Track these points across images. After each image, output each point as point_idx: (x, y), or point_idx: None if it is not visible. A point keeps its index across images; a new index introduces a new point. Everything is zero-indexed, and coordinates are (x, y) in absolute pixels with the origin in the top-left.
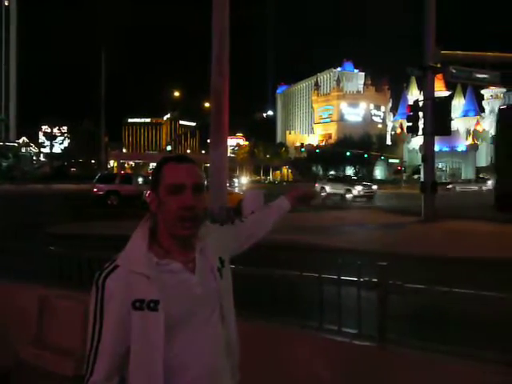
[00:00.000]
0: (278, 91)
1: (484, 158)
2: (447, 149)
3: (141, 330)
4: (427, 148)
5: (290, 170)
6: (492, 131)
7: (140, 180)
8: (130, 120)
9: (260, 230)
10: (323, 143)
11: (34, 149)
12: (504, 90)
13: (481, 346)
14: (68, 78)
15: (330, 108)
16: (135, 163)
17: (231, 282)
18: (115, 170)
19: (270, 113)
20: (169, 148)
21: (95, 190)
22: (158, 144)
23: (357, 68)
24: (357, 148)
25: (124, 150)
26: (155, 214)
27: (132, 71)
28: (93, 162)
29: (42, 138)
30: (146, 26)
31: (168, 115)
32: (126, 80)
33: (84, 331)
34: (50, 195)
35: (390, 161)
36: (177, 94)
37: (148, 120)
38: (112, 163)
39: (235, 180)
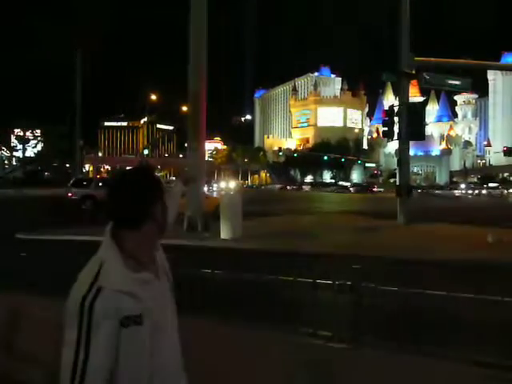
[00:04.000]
0: (256, 95)
1: (457, 162)
2: (422, 153)
3: (129, 344)
4: (402, 152)
5: (268, 174)
6: (465, 136)
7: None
8: (106, 123)
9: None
10: (301, 147)
11: (5, 153)
12: (476, 96)
13: (455, 346)
14: (42, 80)
15: (307, 112)
16: (111, 167)
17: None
18: (91, 175)
19: (248, 117)
20: (146, 152)
21: (70, 194)
22: (134, 148)
23: (333, 73)
24: (334, 152)
25: (100, 154)
26: (156, 223)
27: (108, 74)
28: (67, 166)
29: (14, 142)
30: (123, 28)
31: (145, 119)
32: (103, 83)
33: (54, 339)
34: (22, 200)
35: (367, 165)
36: (154, 97)
37: (125, 123)
38: (87, 167)
39: (213, 184)
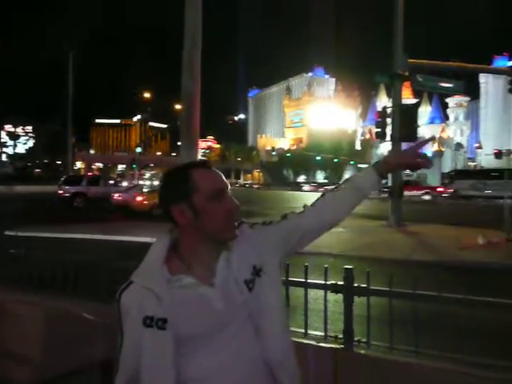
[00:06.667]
0: (249, 95)
1: (449, 163)
2: None
3: (150, 348)
4: None
5: (261, 174)
6: (456, 138)
7: (108, 182)
8: (98, 120)
9: (324, 223)
10: (294, 147)
11: None
12: (468, 98)
13: (447, 347)
14: (34, 77)
15: (301, 112)
16: (103, 165)
17: (276, 289)
18: (82, 172)
19: (242, 116)
20: (139, 150)
21: (61, 192)
22: (127, 146)
23: (327, 74)
24: (327, 153)
25: (92, 152)
26: (185, 227)
27: (102, 71)
28: (58, 163)
29: (4, 138)
30: (117, 25)
31: (138, 116)
32: (96, 80)
33: (43, 338)
34: (13, 197)
35: (360, 165)
36: (147, 95)
37: (117, 121)
38: (79, 164)
39: None
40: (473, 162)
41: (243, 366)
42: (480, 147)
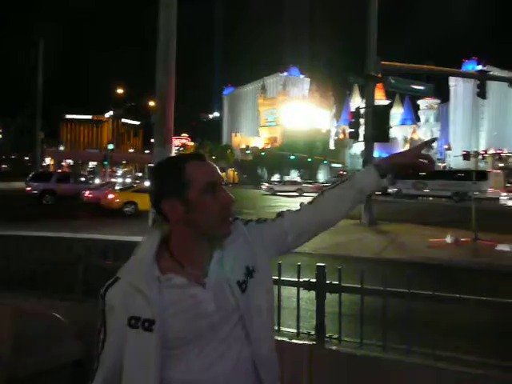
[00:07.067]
0: (224, 93)
1: None
2: (386, 155)
3: (134, 349)
4: (367, 153)
5: (235, 172)
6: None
7: (79, 179)
8: (68, 116)
9: (323, 222)
10: (268, 146)
11: None
12: (438, 101)
13: (416, 342)
14: (1, 70)
15: (275, 112)
16: (74, 161)
17: (267, 291)
18: (52, 168)
19: (217, 114)
20: (111, 147)
21: (29, 188)
22: (98, 142)
23: (302, 74)
24: (301, 152)
25: (62, 148)
26: (177, 223)
27: (73, 66)
28: (26, 158)
29: None
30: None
31: (110, 113)
32: (67, 75)
33: (12, 336)
34: None
35: (333, 165)
36: (120, 91)
37: (89, 117)
38: (48, 161)
39: None
40: (442, 162)
41: (232, 368)
42: (449, 148)
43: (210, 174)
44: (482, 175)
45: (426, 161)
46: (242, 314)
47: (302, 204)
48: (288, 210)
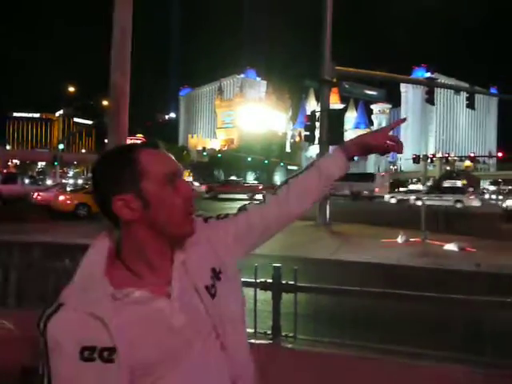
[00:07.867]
0: (180, 94)
1: (372, 167)
2: None
3: None
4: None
5: (191, 174)
6: None
7: (26, 180)
8: (15, 114)
9: (289, 213)
10: (225, 148)
11: None
12: (390, 106)
13: (370, 338)
14: None
15: (232, 113)
16: (21, 161)
17: (237, 293)
18: None
19: (173, 115)
20: (61, 146)
21: None
22: (48, 142)
23: (259, 76)
24: (258, 154)
25: (8, 147)
26: (130, 223)
27: (20, 60)
28: None
29: None
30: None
31: (61, 111)
32: (13, 70)
33: None
34: None
35: (289, 167)
36: (72, 89)
37: (37, 115)
38: None
39: None
40: (393, 165)
41: (212, 382)
42: None
43: (168, 163)
44: (370, 177)
45: (393, 143)
46: (214, 323)
47: (265, 195)
48: (251, 203)
